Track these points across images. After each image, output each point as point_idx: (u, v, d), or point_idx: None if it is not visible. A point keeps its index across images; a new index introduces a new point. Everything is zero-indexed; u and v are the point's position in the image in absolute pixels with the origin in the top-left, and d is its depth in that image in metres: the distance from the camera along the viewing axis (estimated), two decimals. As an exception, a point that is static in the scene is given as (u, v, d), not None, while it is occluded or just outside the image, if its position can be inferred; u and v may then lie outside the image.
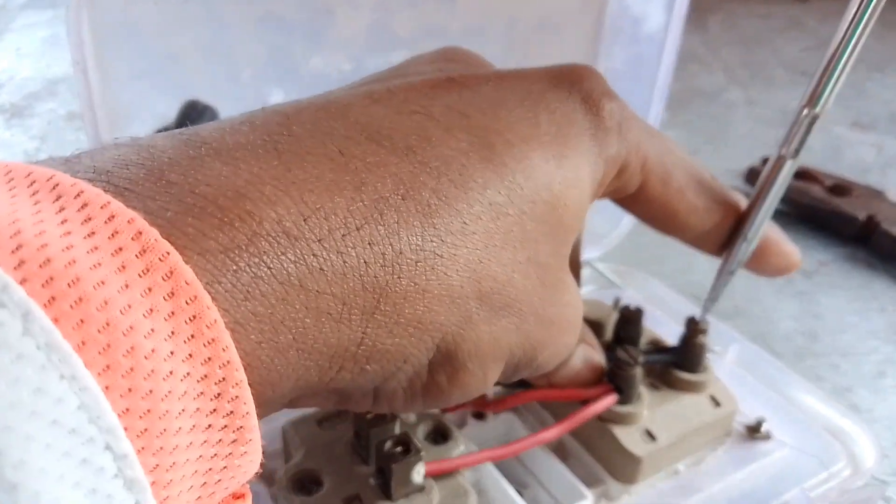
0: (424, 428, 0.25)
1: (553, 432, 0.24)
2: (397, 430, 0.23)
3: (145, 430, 0.11)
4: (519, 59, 0.23)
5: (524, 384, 0.25)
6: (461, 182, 0.17)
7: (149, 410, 0.11)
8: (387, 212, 0.16)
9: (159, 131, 0.19)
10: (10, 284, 0.10)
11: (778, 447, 0.27)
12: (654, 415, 0.26)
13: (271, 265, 0.14)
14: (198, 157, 0.15)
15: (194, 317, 0.12)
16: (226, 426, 0.13)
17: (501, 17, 0.35)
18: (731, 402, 0.27)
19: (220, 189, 0.14)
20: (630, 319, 0.28)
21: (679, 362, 0.27)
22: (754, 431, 0.27)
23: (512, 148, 0.18)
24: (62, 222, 0.12)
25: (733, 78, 0.72)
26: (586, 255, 0.37)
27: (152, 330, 0.12)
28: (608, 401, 0.25)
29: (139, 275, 0.12)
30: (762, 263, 0.25)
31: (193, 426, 0.12)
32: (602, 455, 0.26)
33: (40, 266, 0.11)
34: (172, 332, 0.12)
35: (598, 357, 0.25)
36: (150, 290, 0.12)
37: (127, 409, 0.11)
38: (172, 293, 0.12)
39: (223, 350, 0.12)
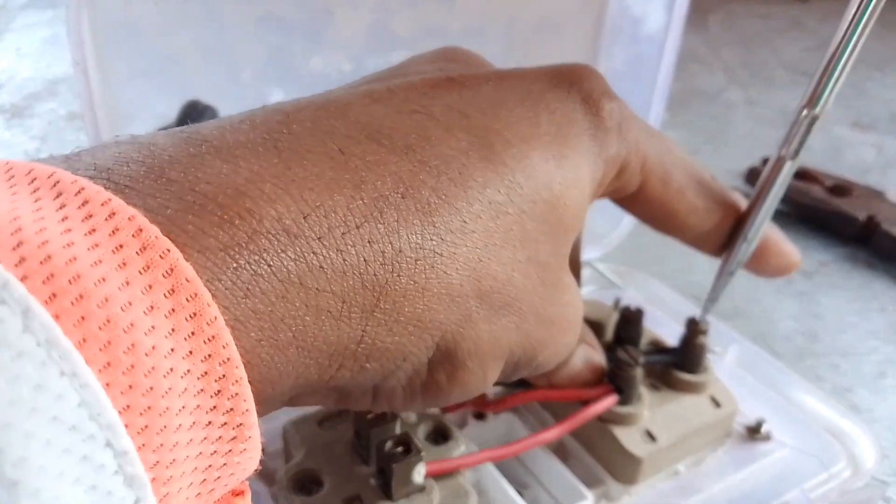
0: (425, 428, 0.25)
1: (553, 433, 0.24)
2: (398, 430, 0.23)
3: (145, 426, 0.11)
4: (519, 59, 0.23)
5: (524, 384, 0.25)
6: (461, 181, 0.17)
7: (149, 407, 0.11)
8: (386, 210, 0.16)
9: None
10: (11, 281, 0.10)
11: (778, 448, 0.27)
12: (654, 415, 0.26)
13: (271, 263, 0.14)
14: (198, 155, 0.15)
15: (194, 314, 0.12)
16: (225, 423, 0.13)
17: (501, 17, 0.35)
18: (731, 402, 0.27)
19: (220, 187, 0.14)
20: (630, 320, 0.28)
21: (679, 363, 0.27)
22: (754, 432, 0.27)
23: (512, 147, 0.18)
24: (63, 219, 0.12)
25: (733, 78, 0.72)
26: (586, 255, 0.37)
27: (153, 327, 0.12)
28: (608, 401, 0.25)
29: (139, 272, 0.12)
30: (762, 264, 0.25)
31: (193, 423, 0.12)
32: (602, 455, 0.26)
33: (41, 263, 0.11)
34: (173, 330, 0.12)
35: (599, 357, 0.25)
36: (150, 287, 0.12)
37: (127, 406, 0.11)
38: (173, 290, 0.12)
39: (223, 347, 0.12)
